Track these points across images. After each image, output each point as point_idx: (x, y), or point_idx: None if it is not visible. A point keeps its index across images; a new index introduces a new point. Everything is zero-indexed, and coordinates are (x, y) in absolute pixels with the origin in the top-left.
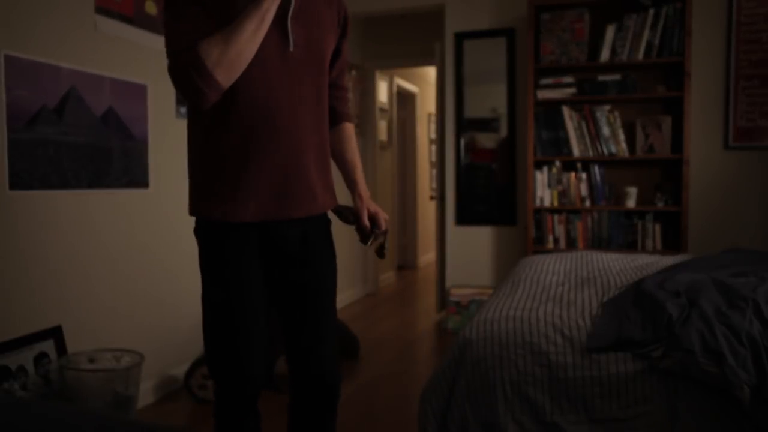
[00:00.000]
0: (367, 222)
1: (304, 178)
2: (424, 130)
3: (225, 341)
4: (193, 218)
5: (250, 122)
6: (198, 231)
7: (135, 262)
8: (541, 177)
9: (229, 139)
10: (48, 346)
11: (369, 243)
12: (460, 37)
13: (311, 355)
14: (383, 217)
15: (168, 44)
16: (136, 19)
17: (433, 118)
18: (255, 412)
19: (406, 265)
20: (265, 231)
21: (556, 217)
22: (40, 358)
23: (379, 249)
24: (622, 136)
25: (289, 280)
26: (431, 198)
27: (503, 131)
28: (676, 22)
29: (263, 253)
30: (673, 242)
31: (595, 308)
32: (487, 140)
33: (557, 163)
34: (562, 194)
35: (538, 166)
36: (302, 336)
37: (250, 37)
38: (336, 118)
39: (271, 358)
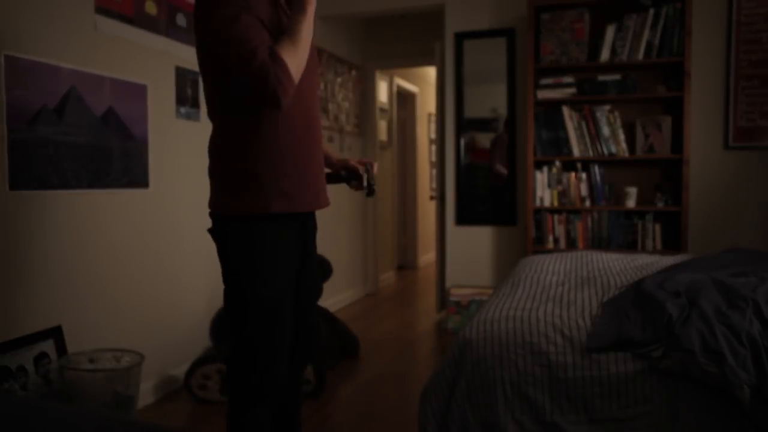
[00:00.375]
0: (357, 165)
1: (323, 171)
2: (424, 130)
3: (277, 335)
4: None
5: (298, 122)
6: (238, 228)
7: (135, 262)
8: (541, 177)
9: (285, 138)
10: (48, 346)
11: (365, 182)
12: (460, 37)
13: (308, 338)
14: (366, 160)
15: (247, 51)
16: (136, 19)
17: (433, 118)
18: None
19: (406, 265)
20: (300, 223)
21: (556, 217)
22: (40, 358)
23: (369, 187)
24: (622, 136)
25: (301, 268)
26: (431, 198)
27: (502, 131)
28: (676, 22)
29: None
30: (673, 242)
31: (595, 308)
32: (487, 140)
33: (557, 163)
34: (562, 194)
35: (538, 166)
36: (301, 319)
37: (307, 41)
38: None
39: None
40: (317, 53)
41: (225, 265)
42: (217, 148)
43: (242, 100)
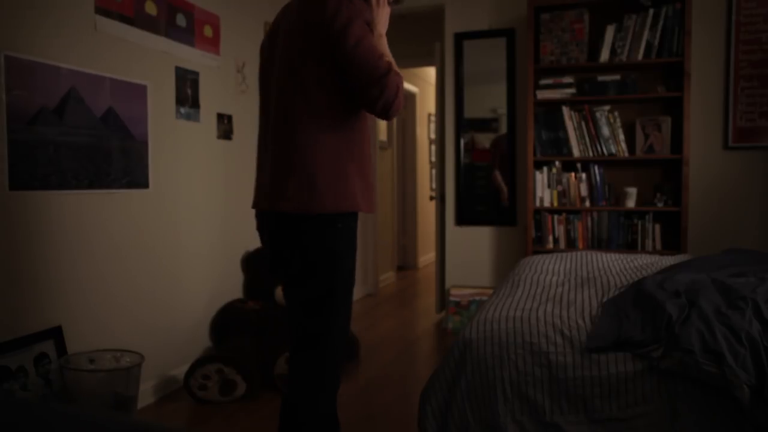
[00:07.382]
0: None
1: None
2: (424, 130)
3: (350, 311)
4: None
5: (370, 135)
6: (344, 223)
7: (135, 263)
8: (540, 177)
9: (362, 146)
10: (48, 346)
11: None
12: (460, 38)
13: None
14: None
15: (379, 60)
16: (136, 19)
17: (433, 118)
18: None
19: (406, 265)
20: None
21: (556, 217)
22: (40, 359)
23: None
24: (621, 137)
25: None
26: (431, 198)
27: (503, 131)
28: (676, 22)
29: None
30: (672, 242)
31: (595, 308)
32: (487, 140)
33: (557, 163)
34: (562, 194)
35: (538, 166)
36: None
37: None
38: None
39: (271, 358)
40: None
41: (308, 256)
42: (308, 150)
43: (348, 107)
